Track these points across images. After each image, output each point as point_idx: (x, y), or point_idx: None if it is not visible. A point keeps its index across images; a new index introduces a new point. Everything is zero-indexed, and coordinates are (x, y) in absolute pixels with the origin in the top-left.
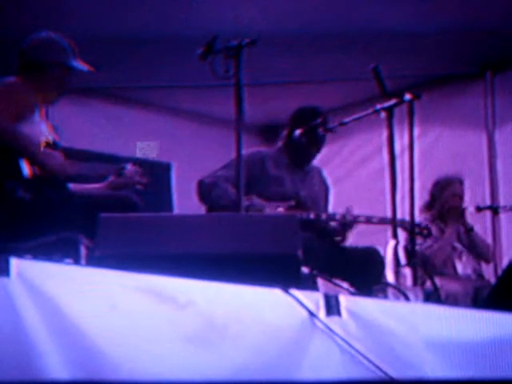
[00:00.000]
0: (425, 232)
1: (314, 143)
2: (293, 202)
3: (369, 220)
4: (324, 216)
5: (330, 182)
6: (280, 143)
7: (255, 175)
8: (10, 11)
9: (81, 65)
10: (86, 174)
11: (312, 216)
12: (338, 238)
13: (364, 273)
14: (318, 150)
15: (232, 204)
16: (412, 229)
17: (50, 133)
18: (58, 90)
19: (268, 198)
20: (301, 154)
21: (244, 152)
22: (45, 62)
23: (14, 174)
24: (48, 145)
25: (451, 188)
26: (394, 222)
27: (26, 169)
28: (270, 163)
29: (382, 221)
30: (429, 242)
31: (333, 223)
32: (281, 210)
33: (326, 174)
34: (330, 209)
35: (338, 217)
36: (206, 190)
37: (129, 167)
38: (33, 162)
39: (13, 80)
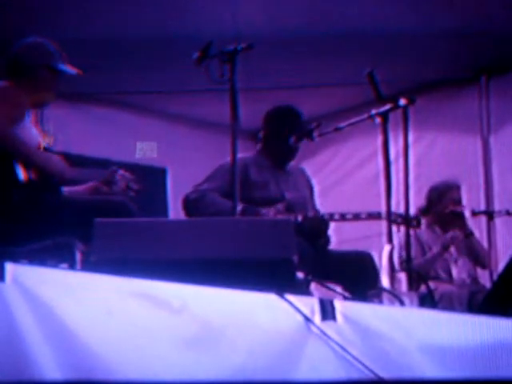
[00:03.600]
0: (414, 223)
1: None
2: (280, 206)
3: (357, 216)
4: (311, 215)
5: (325, 187)
6: (259, 146)
7: (239, 182)
8: (2, 13)
9: (69, 68)
10: (79, 179)
11: (299, 218)
12: (322, 240)
13: (356, 278)
14: (299, 145)
15: (220, 211)
16: (407, 234)
17: (41, 138)
18: (47, 94)
19: (254, 204)
20: (285, 152)
21: (225, 161)
22: (33, 65)
23: (9, 179)
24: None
25: (450, 194)
26: (389, 228)
27: (22, 173)
28: (253, 168)
29: (371, 216)
30: (417, 250)
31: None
32: (270, 213)
33: (309, 172)
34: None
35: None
36: (192, 205)
37: (120, 172)
38: (31, 166)
39: (3, 84)
